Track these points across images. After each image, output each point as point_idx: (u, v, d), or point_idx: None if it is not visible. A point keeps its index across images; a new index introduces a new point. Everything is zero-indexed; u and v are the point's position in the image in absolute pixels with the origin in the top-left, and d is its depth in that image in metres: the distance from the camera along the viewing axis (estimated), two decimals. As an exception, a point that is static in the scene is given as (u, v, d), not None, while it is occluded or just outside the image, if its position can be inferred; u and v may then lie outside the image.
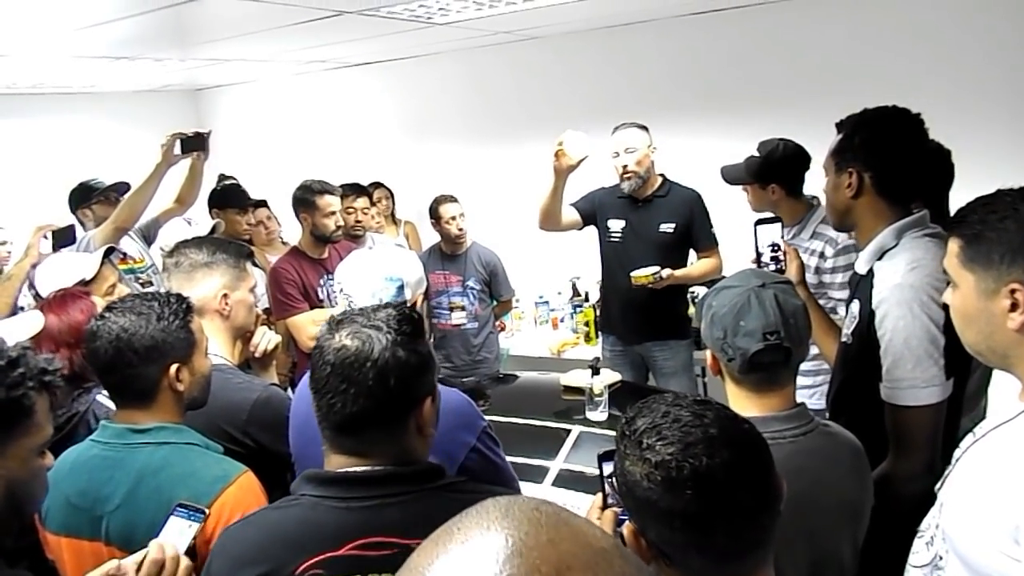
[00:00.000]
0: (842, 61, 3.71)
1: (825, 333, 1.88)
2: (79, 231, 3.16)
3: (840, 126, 1.71)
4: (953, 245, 1.15)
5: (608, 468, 1.23)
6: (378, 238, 3.92)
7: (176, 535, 1.24)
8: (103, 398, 1.73)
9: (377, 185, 4.63)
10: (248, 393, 1.69)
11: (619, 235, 3.29)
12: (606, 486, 1.24)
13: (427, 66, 5.16)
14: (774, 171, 2.53)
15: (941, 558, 1.13)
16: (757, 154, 2.59)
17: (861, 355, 1.61)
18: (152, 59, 4.08)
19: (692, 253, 3.36)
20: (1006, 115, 3.40)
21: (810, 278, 2.44)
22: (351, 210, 3.67)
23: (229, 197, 3.98)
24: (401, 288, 1.65)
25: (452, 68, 5.08)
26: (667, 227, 3.20)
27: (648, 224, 3.22)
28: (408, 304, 1.64)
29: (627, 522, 0.97)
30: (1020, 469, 0.99)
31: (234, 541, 1.13)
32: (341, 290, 1.68)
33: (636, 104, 4.45)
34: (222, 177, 5.17)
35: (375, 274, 1.65)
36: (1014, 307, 1.05)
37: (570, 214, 3.33)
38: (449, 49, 4.89)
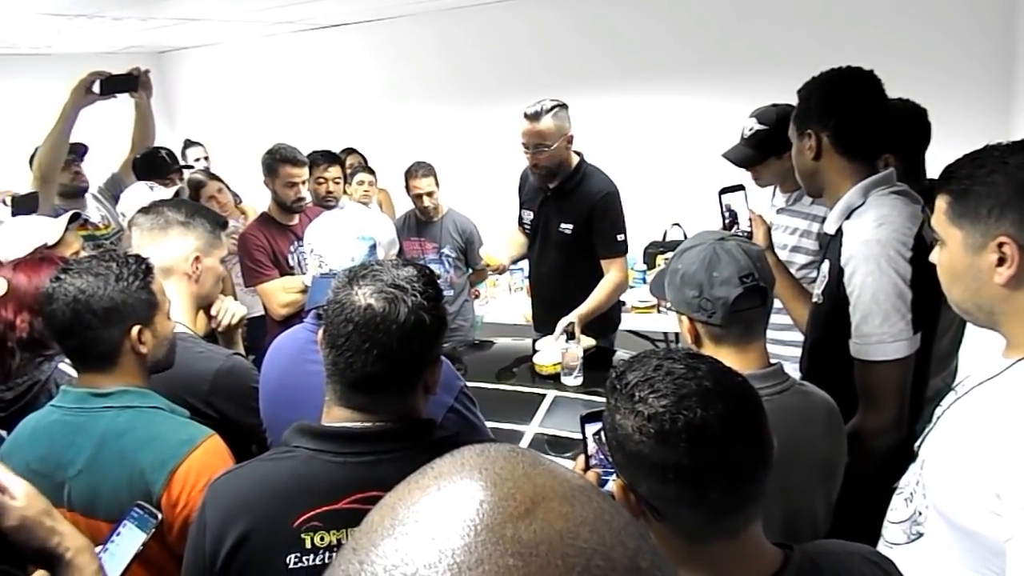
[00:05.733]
0: (826, 21, 3.71)
1: (795, 298, 1.89)
2: None
3: (798, 92, 1.72)
4: (941, 202, 1.14)
5: (591, 429, 1.23)
6: (347, 202, 3.84)
7: (129, 539, 1.20)
8: (65, 366, 1.68)
9: (350, 151, 4.54)
10: (210, 363, 1.64)
11: (529, 228, 3.05)
12: (589, 446, 1.23)
13: (399, 28, 5.07)
14: (785, 138, 2.42)
15: (920, 513, 1.14)
16: (754, 126, 2.43)
17: (832, 313, 1.62)
18: (111, 17, 3.93)
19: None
20: (986, 75, 3.43)
21: (810, 243, 2.43)
22: (322, 180, 3.58)
23: (150, 166, 3.48)
24: (373, 248, 1.62)
25: (424, 31, 4.99)
26: (565, 227, 2.86)
27: (550, 220, 2.91)
28: None
29: (615, 478, 0.95)
30: (1004, 424, 0.99)
31: (225, 492, 1.12)
32: (312, 251, 1.64)
33: (611, 67, 4.44)
34: (188, 143, 5.05)
35: (347, 234, 1.62)
36: (1001, 261, 1.05)
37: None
38: (421, 11, 4.80)
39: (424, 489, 0.39)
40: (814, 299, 1.73)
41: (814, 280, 1.80)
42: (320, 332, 1.16)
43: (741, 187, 1.98)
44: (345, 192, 3.95)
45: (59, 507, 1.29)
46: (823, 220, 2.39)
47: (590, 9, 4.42)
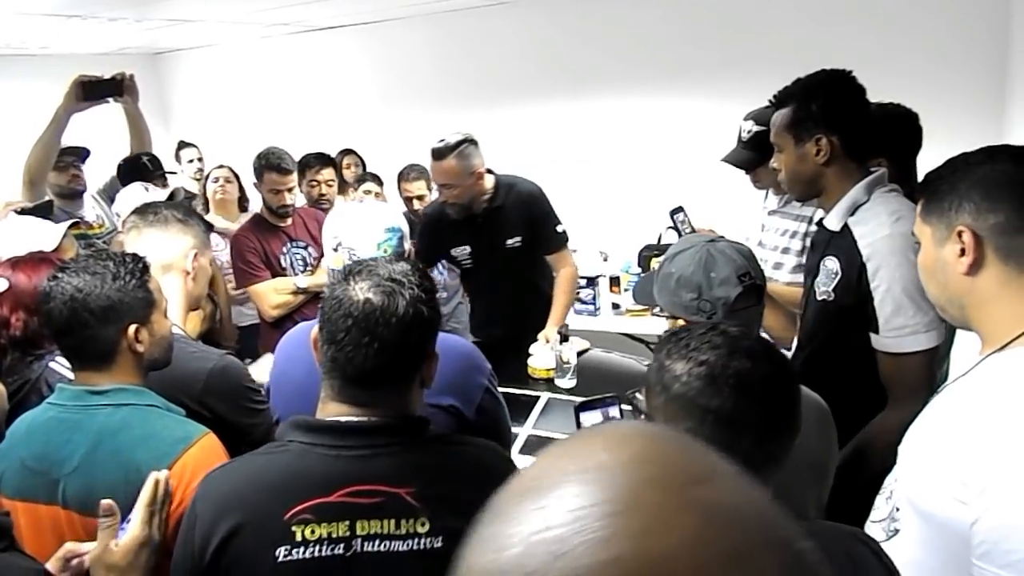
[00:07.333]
0: (819, 26, 3.75)
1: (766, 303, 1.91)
2: None
3: (782, 100, 1.74)
4: (918, 206, 1.20)
5: (585, 418, 1.29)
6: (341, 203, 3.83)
7: None
8: (56, 365, 1.67)
9: (347, 152, 4.55)
10: (203, 362, 1.63)
11: (469, 261, 2.94)
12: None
13: (394, 31, 5.08)
14: None
15: (897, 509, 1.16)
16: (752, 128, 2.46)
17: (847, 310, 1.64)
18: (106, 18, 3.92)
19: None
20: (978, 81, 3.46)
21: (797, 244, 2.46)
22: (314, 183, 3.57)
23: (133, 172, 3.44)
24: (402, 239, 1.64)
25: (419, 34, 5.00)
26: (514, 241, 2.83)
27: (494, 242, 2.83)
28: (406, 255, 1.66)
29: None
30: (971, 415, 1.01)
31: (217, 486, 1.12)
32: (340, 244, 1.64)
33: (605, 70, 4.45)
34: (182, 144, 5.04)
35: (376, 225, 1.63)
36: (964, 252, 1.09)
37: None
38: (416, 14, 4.81)
39: (593, 447, 0.39)
40: (820, 296, 1.73)
41: (810, 281, 1.81)
42: (315, 330, 1.16)
43: (681, 208, 2.38)
44: (341, 194, 3.95)
45: (53, 505, 1.30)
46: (810, 220, 2.43)
47: (584, 13, 4.44)
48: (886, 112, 2.05)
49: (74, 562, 1.20)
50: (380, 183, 4.15)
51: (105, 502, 1.18)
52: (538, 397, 2.51)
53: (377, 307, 1.08)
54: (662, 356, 0.99)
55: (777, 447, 0.94)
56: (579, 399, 2.46)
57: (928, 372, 1.57)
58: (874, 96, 2.07)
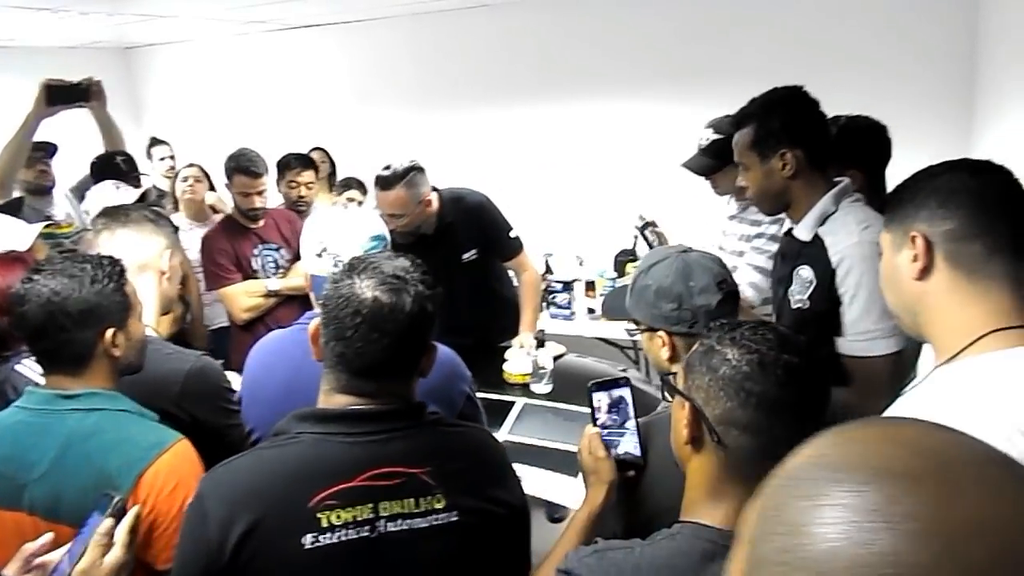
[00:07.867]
0: (791, 42, 3.81)
1: None
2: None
3: (741, 120, 1.79)
4: (885, 216, 1.22)
5: (597, 398, 1.35)
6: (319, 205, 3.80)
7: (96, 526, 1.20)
8: (22, 368, 1.63)
9: (315, 149, 4.50)
10: (180, 364, 1.61)
11: None
12: (600, 412, 1.36)
13: (372, 32, 5.06)
14: None
15: None
16: (710, 136, 2.52)
17: (822, 316, 1.68)
18: (77, 12, 3.85)
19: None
20: (947, 93, 3.54)
21: (747, 247, 2.51)
22: (294, 184, 3.52)
23: (105, 172, 3.32)
24: (386, 248, 1.65)
25: (398, 35, 4.99)
26: (469, 255, 2.80)
27: (449, 259, 2.73)
28: None
29: (678, 402, 1.07)
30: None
31: (227, 483, 1.12)
32: (324, 250, 1.62)
33: (582, 73, 4.48)
34: (154, 141, 4.96)
35: (362, 233, 1.64)
36: (916, 257, 1.10)
37: None
38: (394, 15, 4.80)
39: (902, 433, 0.47)
40: (795, 305, 1.76)
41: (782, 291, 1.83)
42: (315, 324, 1.19)
43: (650, 223, 2.46)
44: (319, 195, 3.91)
45: (18, 510, 1.27)
46: (758, 223, 2.48)
47: (565, 17, 4.46)
48: (856, 124, 2.10)
49: (36, 561, 1.17)
50: (364, 191, 4.10)
51: (107, 524, 1.17)
52: (513, 403, 2.52)
53: (386, 305, 1.13)
54: (711, 342, 1.05)
55: (800, 438, 0.98)
56: (555, 404, 2.50)
57: (891, 375, 1.61)
58: (845, 107, 2.11)
